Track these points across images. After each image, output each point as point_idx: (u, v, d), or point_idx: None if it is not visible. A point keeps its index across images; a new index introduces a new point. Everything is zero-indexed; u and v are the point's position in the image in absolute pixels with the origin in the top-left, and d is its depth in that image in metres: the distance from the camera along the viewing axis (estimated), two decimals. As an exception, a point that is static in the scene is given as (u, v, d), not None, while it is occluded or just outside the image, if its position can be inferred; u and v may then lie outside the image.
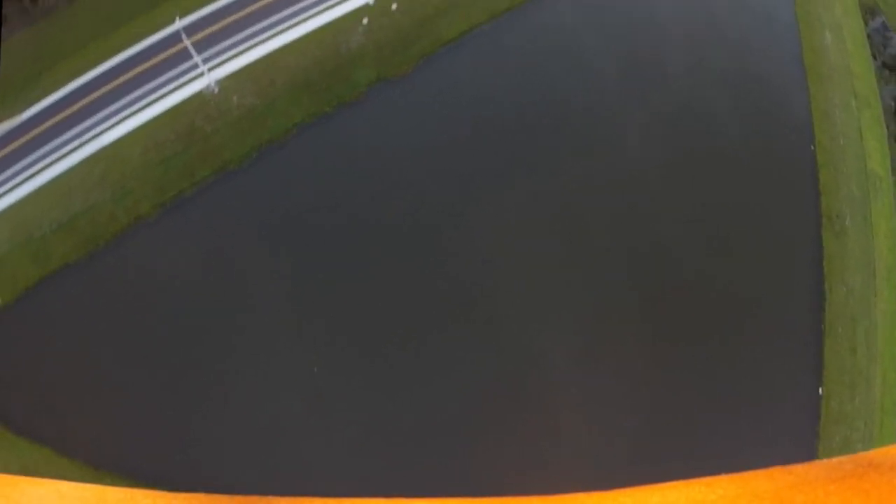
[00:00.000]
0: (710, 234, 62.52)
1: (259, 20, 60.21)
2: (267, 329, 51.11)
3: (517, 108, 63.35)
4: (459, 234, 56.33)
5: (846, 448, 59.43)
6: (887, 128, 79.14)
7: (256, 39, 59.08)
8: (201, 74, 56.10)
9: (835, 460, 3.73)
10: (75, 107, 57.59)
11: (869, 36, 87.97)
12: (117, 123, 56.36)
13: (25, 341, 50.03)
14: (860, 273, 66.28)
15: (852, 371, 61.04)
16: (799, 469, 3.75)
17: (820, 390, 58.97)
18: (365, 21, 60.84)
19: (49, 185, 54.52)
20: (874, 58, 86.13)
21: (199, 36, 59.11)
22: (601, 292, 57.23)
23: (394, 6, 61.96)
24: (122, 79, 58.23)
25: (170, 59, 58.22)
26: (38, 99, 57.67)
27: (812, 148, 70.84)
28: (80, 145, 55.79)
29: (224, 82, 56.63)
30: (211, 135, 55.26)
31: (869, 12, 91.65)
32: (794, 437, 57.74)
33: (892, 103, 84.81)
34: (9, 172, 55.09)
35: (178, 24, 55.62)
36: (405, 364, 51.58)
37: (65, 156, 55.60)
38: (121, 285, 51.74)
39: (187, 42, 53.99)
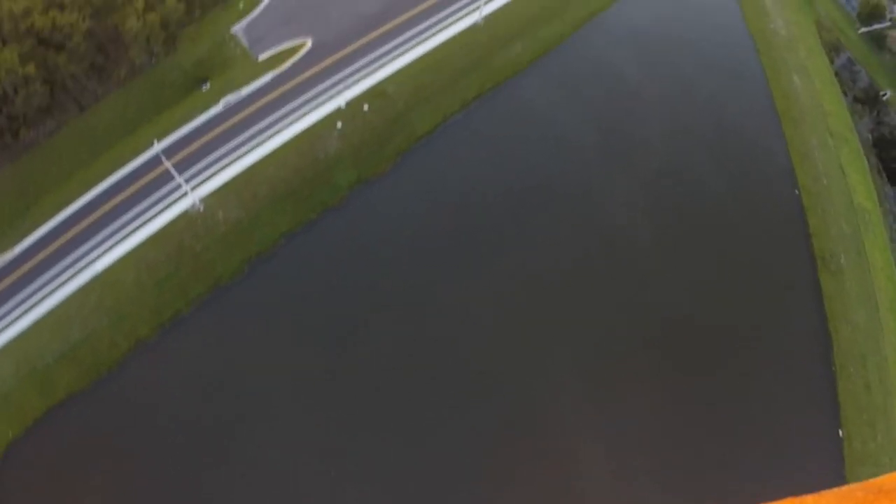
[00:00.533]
0: (709, 292, 70.16)
1: (235, 136, 71.22)
2: (274, 436, 58.75)
3: (499, 191, 73.08)
4: (455, 314, 64.82)
5: None
6: (868, 160, 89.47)
7: (235, 154, 70.00)
8: (185, 194, 66.53)
9: (845, 488, 3.59)
10: (65, 237, 67.80)
11: (837, 73, 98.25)
12: (108, 250, 66.49)
13: (36, 472, 57.99)
14: (863, 309, 73.47)
15: (870, 409, 67.45)
16: (810, 500, 3.60)
17: (840, 432, 65.15)
18: (339, 125, 71.49)
19: (47, 317, 63.54)
20: (845, 94, 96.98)
21: (179, 156, 69.85)
22: (609, 356, 64.72)
23: (365, 107, 72.83)
24: (108, 205, 68.72)
25: (153, 182, 68.78)
26: (28, 233, 67.88)
27: (796, 192, 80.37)
28: (74, 275, 65.38)
29: (208, 199, 66.85)
30: (201, 252, 65.13)
31: (833, 50, 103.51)
32: (821, 483, 63.79)
33: (870, 136, 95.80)
34: (7, 307, 64.07)
35: (157, 147, 66.06)
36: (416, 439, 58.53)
37: (60, 286, 64.85)
38: (127, 410, 60.39)
39: (168, 164, 64.50)
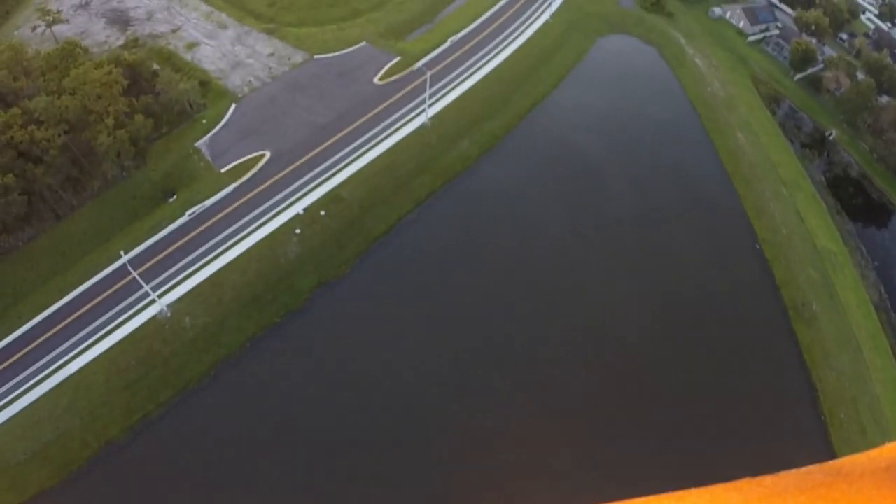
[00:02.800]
0: (685, 361, 70.39)
1: (200, 244, 74.47)
2: None
3: (461, 282, 75.75)
4: (419, 408, 65.91)
5: None
6: (825, 202, 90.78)
7: (200, 262, 73.31)
8: (153, 301, 68.38)
9: (804, 470, 3.20)
10: (39, 340, 70.19)
11: (781, 123, 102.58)
12: (81, 353, 68.79)
13: None
14: (845, 352, 72.56)
15: None
16: (768, 480, 3.17)
17: None
18: (298, 231, 75.18)
19: (19, 416, 65.37)
20: (791, 141, 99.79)
21: (149, 264, 72.87)
22: (605, 433, 64.69)
23: (322, 212, 76.45)
24: (81, 311, 71.25)
25: (123, 289, 71.54)
26: (5, 335, 70.29)
27: (757, 247, 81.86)
28: (47, 376, 67.54)
29: (175, 305, 69.72)
30: (169, 357, 67.60)
31: (773, 101, 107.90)
32: None
33: (823, 178, 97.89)
34: (-19, 405, 65.95)
35: (125, 258, 68.88)
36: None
37: (33, 387, 66.89)
38: (98, 508, 61.04)
39: (135, 274, 67.45)
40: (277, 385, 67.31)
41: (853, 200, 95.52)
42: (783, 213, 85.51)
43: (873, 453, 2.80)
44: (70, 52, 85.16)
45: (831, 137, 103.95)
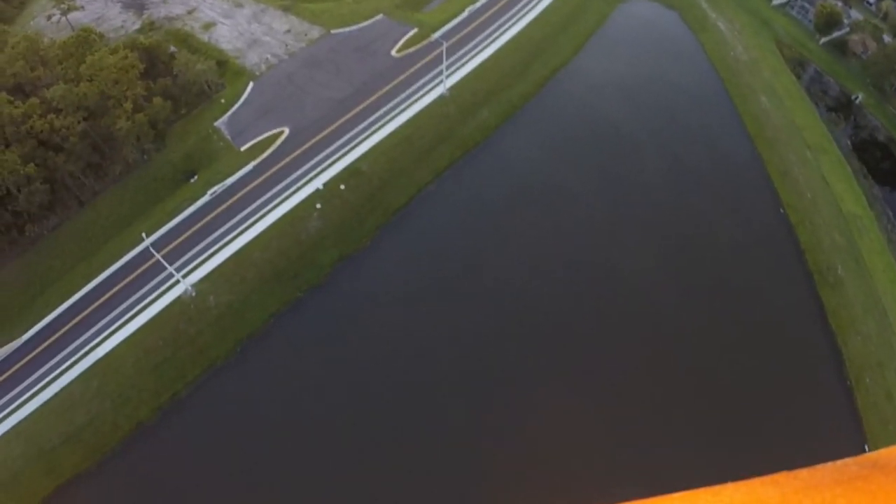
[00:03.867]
0: (710, 323, 69.03)
1: (222, 223, 73.67)
2: None
3: (483, 251, 74.23)
4: (442, 381, 65.03)
5: None
6: (851, 166, 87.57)
7: (223, 241, 72.59)
8: (177, 282, 67.90)
9: (839, 462, 3.26)
10: (68, 325, 70.39)
11: (806, 87, 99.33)
12: (108, 336, 68.83)
13: None
14: (871, 316, 70.00)
15: (895, 418, 63.29)
16: (804, 473, 3.22)
17: (866, 447, 60.39)
18: (318, 206, 74.03)
19: (52, 401, 65.75)
20: (816, 105, 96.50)
21: (172, 245, 72.45)
22: (623, 397, 63.44)
23: (342, 186, 75.06)
24: (107, 295, 71.21)
25: (148, 271, 71.38)
26: (35, 322, 70.81)
27: (782, 211, 79.27)
28: (78, 360, 67.74)
29: (199, 285, 69.10)
30: (195, 336, 67.08)
31: (798, 65, 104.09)
32: None
33: (849, 142, 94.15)
34: (15, 392, 66.82)
35: (147, 241, 68.41)
36: None
37: (64, 372, 67.18)
38: (131, 489, 61.56)
39: (158, 256, 66.79)
40: (302, 360, 66.69)
41: (880, 165, 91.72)
42: (808, 177, 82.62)
43: None
44: (85, 39, 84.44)
45: (857, 101, 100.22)
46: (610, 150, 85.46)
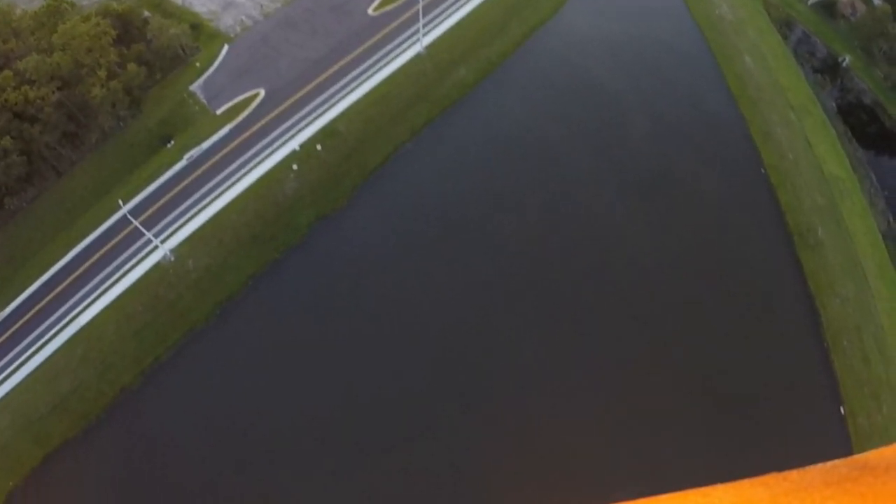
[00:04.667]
0: (689, 279, 68.57)
1: (199, 187, 72.99)
2: (261, 466, 59.74)
3: (459, 205, 73.72)
4: (422, 334, 65.21)
5: None
6: (836, 129, 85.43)
7: (200, 205, 71.86)
8: (156, 247, 67.48)
9: (829, 464, 3.42)
10: (50, 296, 69.90)
11: (793, 48, 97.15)
12: (90, 305, 68.51)
13: None
14: (850, 279, 69.31)
15: (871, 381, 62.94)
16: (794, 475, 3.39)
17: (842, 409, 61.72)
18: (295, 167, 73.17)
19: (38, 371, 65.66)
20: (802, 67, 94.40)
21: (150, 211, 71.92)
22: (596, 352, 63.66)
23: (318, 147, 74.14)
24: (87, 263, 70.86)
25: (127, 238, 70.76)
26: (17, 294, 70.26)
27: (763, 172, 77.92)
28: (60, 330, 67.52)
29: (178, 250, 68.89)
30: (175, 301, 66.89)
31: (785, 25, 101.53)
32: None
33: (834, 104, 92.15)
34: (1, 364, 66.41)
35: (124, 208, 67.75)
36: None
37: (48, 342, 67.01)
38: (118, 454, 62.03)
39: (136, 223, 66.23)
40: (280, 320, 66.64)
41: (866, 128, 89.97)
42: (791, 138, 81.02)
43: None
44: (57, 8, 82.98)
45: (844, 64, 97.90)
46: (590, 108, 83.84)
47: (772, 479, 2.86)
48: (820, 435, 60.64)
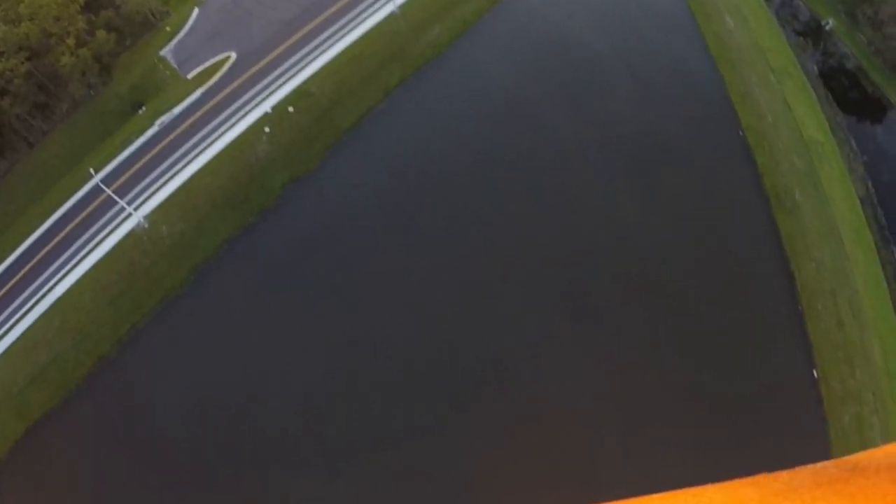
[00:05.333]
0: (665, 245, 66.81)
1: (171, 153, 71.77)
2: (237, 436, 59.17)
3: (434, 166, 71.83)
4: (402, 294, 63.81)
5: (860, 424, 59.69)
6: (816, 92, 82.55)
7: (173, 171, 70.48)
8: (130, 215, 66.42)
9: (819, 465, 3.31)
10: (25, 269, 69.61)
11: (776, 12, 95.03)
12: (65, 276, 67.78)
13: (24, 492, 59.99)
14: (826, 243, 67.70)
15: (845, 345, 61.93)
16: (784, 476, 3.27)
17: (815, 373, 60.38)
18: (267, 129, 71.86)
19: (16, 344, 65.53)
20: (784, 29, 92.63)
21: (123, 178, 70.89)
22: (567, 313, 62.07)
23: (291, 109, 72.69)
24: (62, 234, 70.13)
25: (100, 208, 69.81)
26: (-8, 269, 68.49)
27: (741, 133, 75.05)
28: (37, 302, 67.00)
29: (152, 216, 67.85)
30: (150, 267, 66.12)
31: None
32: (802, 427, 58.28)
33: (816, 68, 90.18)
34: (-22, 339, 65.71)
35: (96, 177, 66.74)
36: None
37: (25, 314, 66.62)
38: (99, 423, 61.67)
39: (109, 191, 65.38)
40: (255, 282, 65.75)
41: (847, 94, 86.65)
42: (770, 100, 78.29)
43: (890, 448, 2.85)
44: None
45: (828, 28, 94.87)
46: (566, 66, 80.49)
47: (762, 480, 2.86)
48: (792, 397, 60.15)
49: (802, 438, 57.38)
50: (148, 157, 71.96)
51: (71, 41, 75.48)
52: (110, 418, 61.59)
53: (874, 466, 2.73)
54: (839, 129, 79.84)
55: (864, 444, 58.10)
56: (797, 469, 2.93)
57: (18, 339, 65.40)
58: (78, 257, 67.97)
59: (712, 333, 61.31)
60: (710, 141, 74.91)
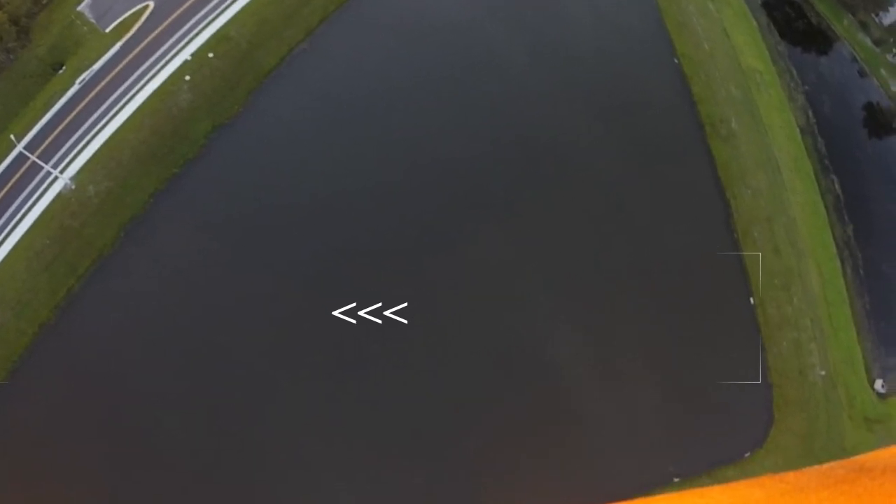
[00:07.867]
0: (598, 170, 67.02)
1: (93, 110, 69.29)
2: (187, 391, 59.63)
3: (361, 100, 70.34)
4: (329, 225, 64.30)
5: (799, 350, 60.72)
6: (757, 21, 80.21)
7: (95, 130, 68.21)
8: (56, 178, 64.16)
9: (826, 466, 3.58)
10: (-43, 244, 66.22)
11: None
12: (-2, 247, 64.88)
13: None
14: (763, 172, 67.76)
15: (782, 272, 62.90)
16: (790, 476, 3.55)
17: (751, 300, 61.62)
18: (188, 77, 69.21)
19: (-43, 321, 63.31)
20: None
21: (48, 142, 68.46)
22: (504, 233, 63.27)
23: (210, 55, 69.92)
24: (-11, 205, 66.53)
25: (26, 174, 67.46)
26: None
27: (675, 61, 73.36)
28: (-29, 278, 64.46)
29: (78, 177, 65.86)
30: (80, 229, 64.39)
31: None
32: (740, 354, 59.73)
33: None
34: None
35: (19, 145, 64.43)
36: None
37: (-40, 292, 64.40)
38: (46, 394, 60.62)
39: (33, 157, 63.36)
40: (184, 234, 64.82)
41: (792, 24, 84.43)
42: (707, 28, 76.24)
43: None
44: (-73, -57, 77.60)
45: None
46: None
47: (768, 481, 3.02)
48: (728, 324, 61.12)
49: (740, 365, 58.56)
50: (70, 117, 69.36)
51: (-16, 6, 72.20)
52: (58, 385, 60.94)
53: (880, 467, 2.84)
54: (780, 58, 78.66)
55: (802, 370, 59.45)
56: (803, 470, 3.06)
57: (-43, 313, 63.43)
58: (9, 228, 66.04)
59: (646, 262, 62.06)
60: (643, 67, 73.74)
